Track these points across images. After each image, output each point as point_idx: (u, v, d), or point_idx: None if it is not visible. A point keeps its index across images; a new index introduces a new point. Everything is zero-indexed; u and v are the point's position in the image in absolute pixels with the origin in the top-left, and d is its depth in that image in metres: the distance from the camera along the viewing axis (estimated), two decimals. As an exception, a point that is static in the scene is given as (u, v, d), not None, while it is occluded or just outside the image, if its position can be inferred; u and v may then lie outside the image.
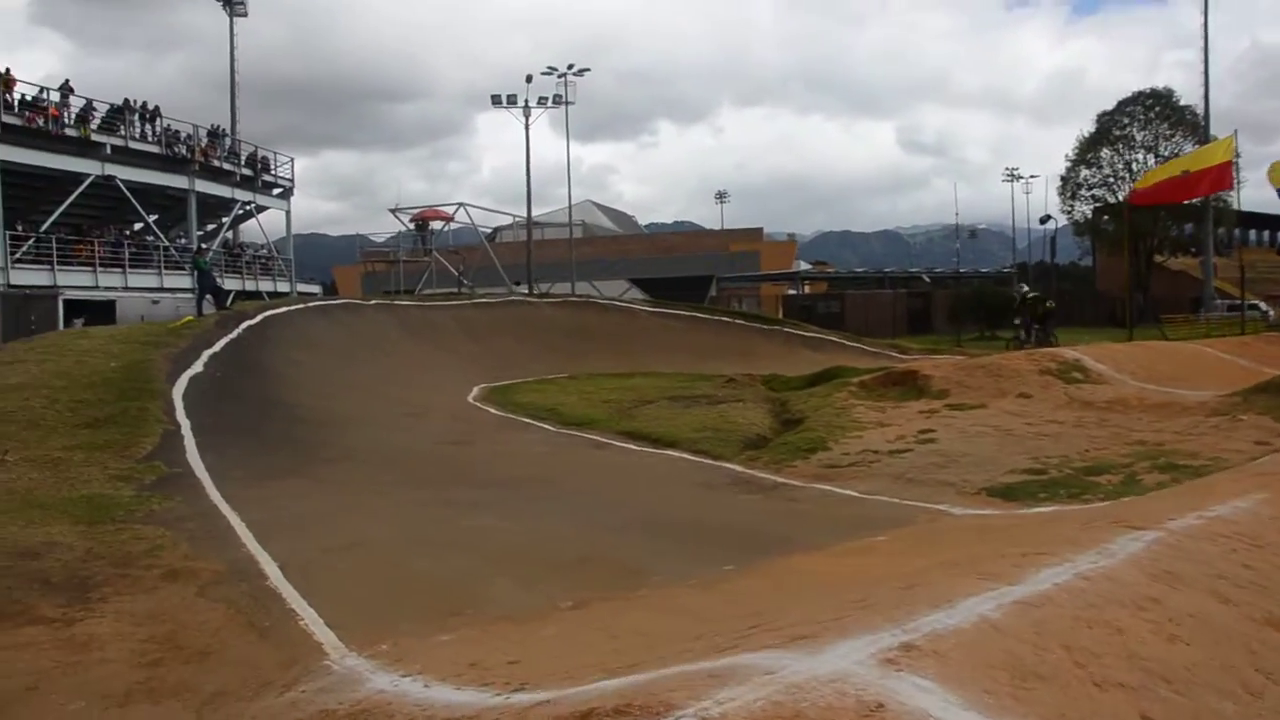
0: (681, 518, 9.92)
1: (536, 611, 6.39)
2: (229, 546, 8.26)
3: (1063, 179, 66.35)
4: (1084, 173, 65.70)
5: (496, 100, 47.51)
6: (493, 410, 19.60)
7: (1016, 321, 27.18)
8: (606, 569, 7.68)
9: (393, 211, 52.42)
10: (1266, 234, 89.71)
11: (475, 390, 23.21)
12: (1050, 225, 46.98)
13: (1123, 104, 66.16)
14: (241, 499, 10.15)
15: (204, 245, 25.02)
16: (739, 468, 13.07)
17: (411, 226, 48.35)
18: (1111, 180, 66.26)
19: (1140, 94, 65.73)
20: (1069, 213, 66.73)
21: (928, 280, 68.92)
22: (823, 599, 5.13)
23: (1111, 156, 66.18)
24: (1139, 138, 65.83)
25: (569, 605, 6.55)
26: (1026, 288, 28.14)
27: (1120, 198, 63.74)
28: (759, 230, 79.21)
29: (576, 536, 8.93)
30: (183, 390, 14.90)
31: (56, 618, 6.33)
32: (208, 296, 22.81)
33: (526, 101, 47.08)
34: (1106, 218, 65.38)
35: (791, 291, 69.34)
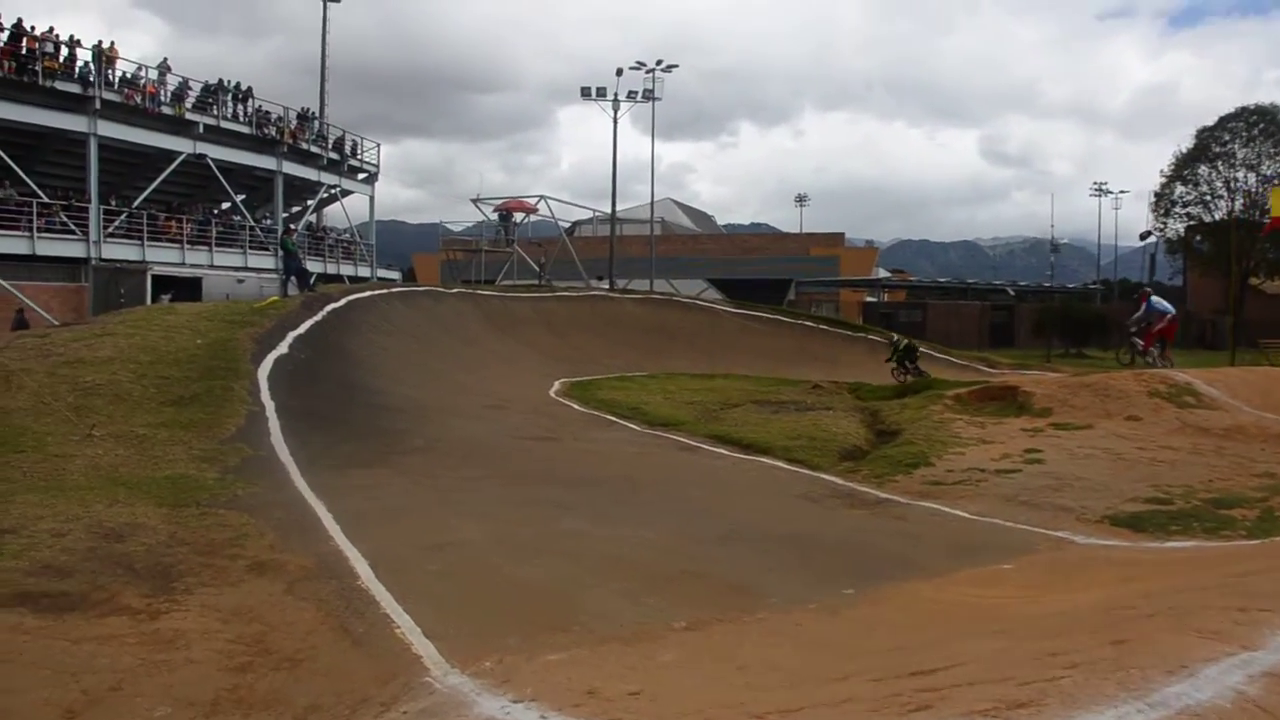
0: (784, 531, 9.36)
1: (648, 631, 5.90)
2: (316, 539, 7.88)
3: (1156, 195, 63.70)
4: (1179, 189, 63.26)
5: (586, 93, 47.11)
6: (575, 406, 19.18)
7: (893, 366, 28.09)
8: (713, 585, 7.16)
9: (474, 201, 52.41)
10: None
11: (556, 384, 22.84)
12: (1151, 240, 45.43)
13: (1224, 119, 63.55)
14: (327, 487, 9.81)
15: (291, 226, 24.87)
16: (838, 480, 12.46)
17: (494, 216, 48.14)
18: (1208, 198, 63.80)
19: (1244, 110, 63.14)
20: (1162, 230, 64.29)
21: (1011, 293, 67.15)
22: (987, 642, 4.55)
23: (1210, 173, 63.72)
24: (1240, 155, 63.18)
25: (682, 625, 6.04)
26: (897, 336, 29.58)
27: (1218, 216, 61.51)
28: (840, 235, 77.64)
29: (676, 546, 8.42)
30: (267, 371, 14.66)
31: (141, 609, 5.97)
32: (292, 278, 22.69)
33: (616, 95, 46.68)
34: (1199, 237, 63.03)
35: (871, 299, 68.15)
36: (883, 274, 78.99)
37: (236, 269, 35.55)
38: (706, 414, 18.46)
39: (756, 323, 33.59)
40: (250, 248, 37.94)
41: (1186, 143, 64.42)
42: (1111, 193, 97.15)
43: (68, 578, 6.51)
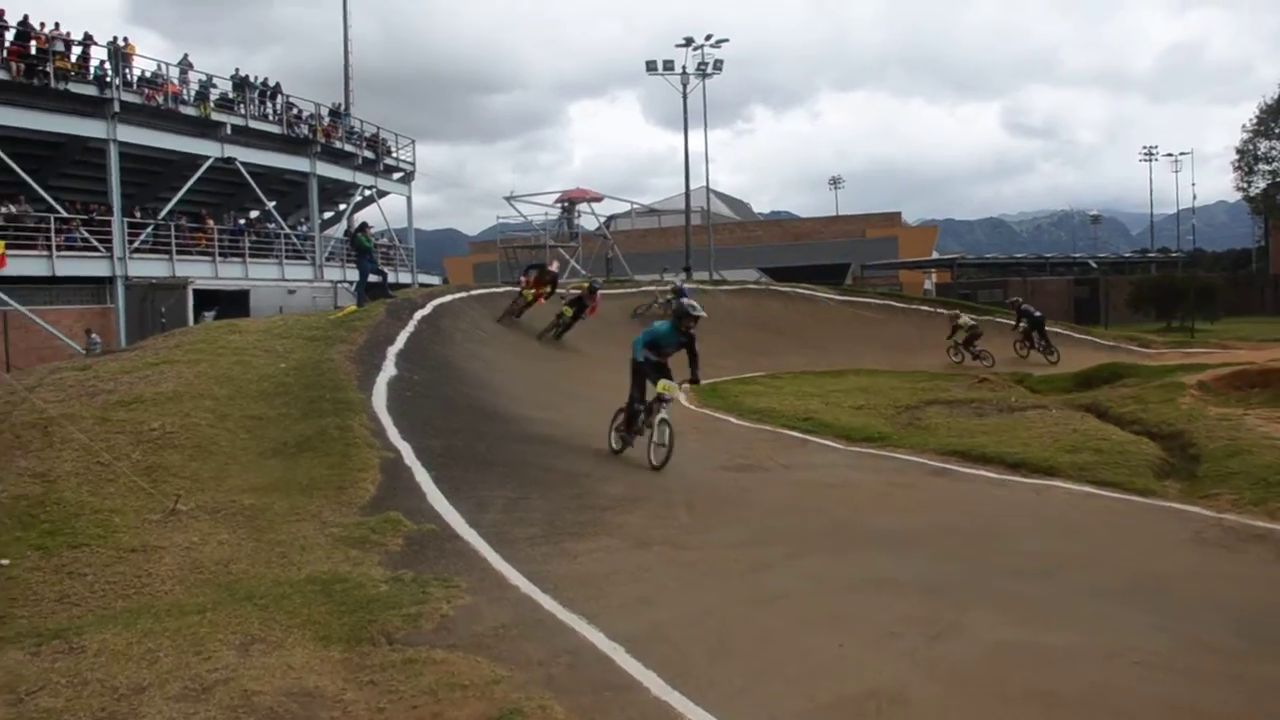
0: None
1: None
2: (648, 713, 4.39)
3: (1239, 152, 58.92)
4: (1264, 145, 58.40)
5: (651, 67, 43.21)
6: (732, 419, 15.67)
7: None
8: None
9: (508, 199, 48.73)
10: None
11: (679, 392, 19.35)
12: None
13: (1316, 65, 59.18)
14: (561, 581, 6.34)
15: (368, 224, 21.37)
16: (1204, 510, 8.97)
17: (556, 210, 44.16)
18: (1300, 151, 58.65)
19: (1337, 52, 58.87)
20: (1245, 189, 59.55)
21: (1094, 265, 62.68)
22: None
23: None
24: (1335, 101, 57.88)
25: None
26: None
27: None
28: (896, 215, 72.94)
29: (1207, 665, 5.00)
30: (384, 400, 11.15)
31: None
32: (371, 281, 18.99)
33: (684, 69, 42.75)
34: None
35: (927, 284, 63.85)
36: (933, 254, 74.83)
37: (276, 280, 32.06)
38: (898, 422, 15.06)
39: (867, 310, 29.91)
40: (287, 257, 34.49)
41: (1270, 93, 60.07)
42: (1171, 155, 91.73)
43: None
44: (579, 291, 21.73)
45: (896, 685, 4.72)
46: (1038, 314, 26.24)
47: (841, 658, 5.10)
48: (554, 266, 21.79)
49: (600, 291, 22.59)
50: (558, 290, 21.42)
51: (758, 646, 5.26)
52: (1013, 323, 26.49)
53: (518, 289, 21.33)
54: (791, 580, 6.57)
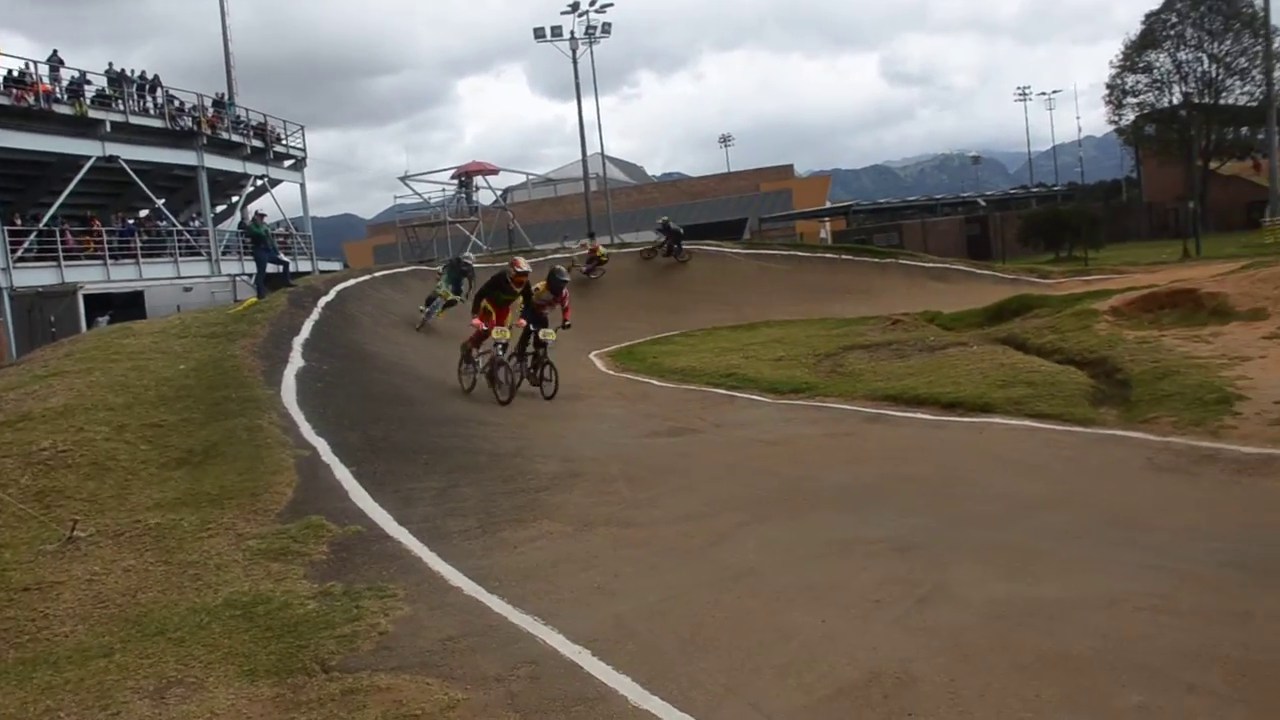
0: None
1: None
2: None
3: (1108, 86, 60.61)
4: (1130, 79, 60.30)
5: (540, 34, 42.57)
6: (655, 382, 15.36)
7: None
8: None
9: (403, 179, 47.91)
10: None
11: (595, 359, 19.01)
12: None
13: (1170, 1, 60.73)
14: (502, 577, 5.88)
15: (260, 213, 20.49)
16: (1148, 435, 8.88)
17: (453, 186, 43.25)
18: (1161, 84, 60.96)
19: (1190, -13, 60.24)
20: (1116, 122, 61.43)
21: (983, 204, 63.96)
22: None
23: (1162, 58, 60.82)
24: (1189, 35, 60.34)
25: None
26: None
27: (1172, 100, 59.17)
28: (789, 167, 73.42)
29: (1226, 605, 4.73)
30: (293, 394, 10.50)
31: None
32: (274, 268, 18.11)
33: (573, 33, 42.17)
34: (1149, 127, 60.35)
35: (822, 234, 64.31)
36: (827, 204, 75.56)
37: (171, 279, 30.73)
38: (820, 370, 14.85)
39: (772, 262, 29.73)
40: (182, 254, 33.09)
41: (1133, 30, 61.81)
42: (1044, 94, 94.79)
43: None
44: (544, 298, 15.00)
45: (897, 663, 4.36)
46: (680, 230, 30.27)
47: (829, 636, 4.73)
48: (523, 265, 14.41)
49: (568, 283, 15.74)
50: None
51: (734, 633, 4.86)
52: (661, 238, 29.74)
53: (475, 328, 13.71)
54: (753, 552, 6.21)
